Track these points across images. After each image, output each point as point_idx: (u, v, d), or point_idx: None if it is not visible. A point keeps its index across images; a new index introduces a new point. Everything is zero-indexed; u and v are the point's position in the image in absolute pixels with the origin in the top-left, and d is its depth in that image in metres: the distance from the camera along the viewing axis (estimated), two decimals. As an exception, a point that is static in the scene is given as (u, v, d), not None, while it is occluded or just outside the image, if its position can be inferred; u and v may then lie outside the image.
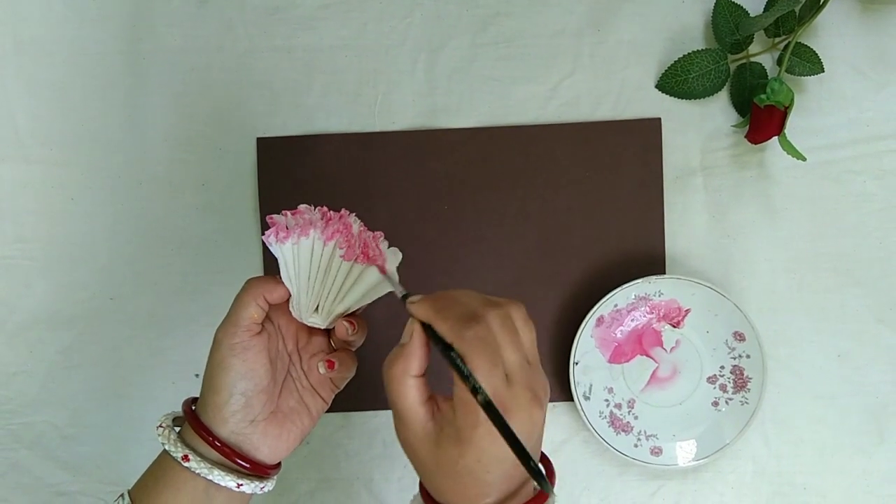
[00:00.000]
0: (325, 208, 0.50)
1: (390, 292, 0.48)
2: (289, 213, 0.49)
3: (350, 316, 0.50)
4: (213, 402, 0.47)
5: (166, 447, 0.47)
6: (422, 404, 0.42)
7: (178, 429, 0.49)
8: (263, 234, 0.48)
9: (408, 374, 0.42)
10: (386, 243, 0.51)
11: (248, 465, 0.47)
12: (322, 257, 0.48)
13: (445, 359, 0.40)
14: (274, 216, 0.49)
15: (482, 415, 0.38)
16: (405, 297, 0.45)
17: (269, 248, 0.48)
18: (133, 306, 0.69)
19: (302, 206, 0.50)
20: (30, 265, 0.68)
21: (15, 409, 0.69)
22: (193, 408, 0.49)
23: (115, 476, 0.69)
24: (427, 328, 0.42)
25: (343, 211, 0.50)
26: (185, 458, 0.46)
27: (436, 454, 0.41)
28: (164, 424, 0.49)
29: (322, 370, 0.51)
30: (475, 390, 0.38)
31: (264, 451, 0.49)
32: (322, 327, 0.50)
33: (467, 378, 0.39)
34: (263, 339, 0.48)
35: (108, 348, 0.69)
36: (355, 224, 0.49)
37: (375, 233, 0.50)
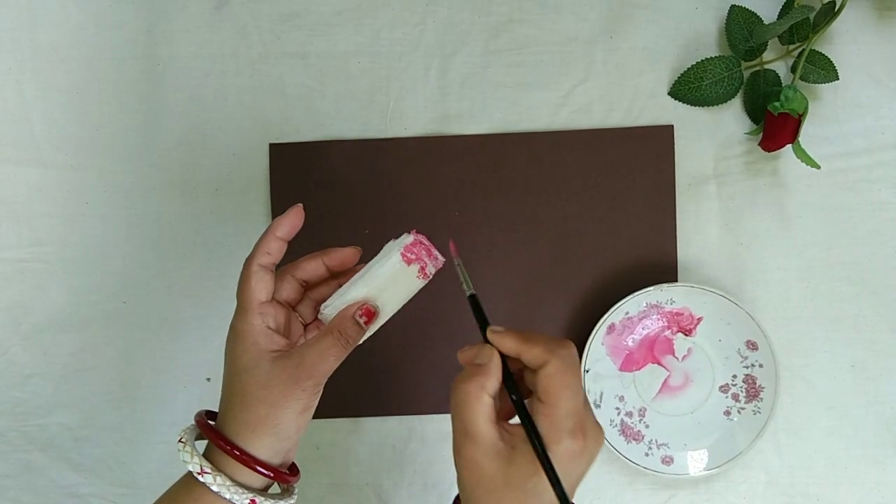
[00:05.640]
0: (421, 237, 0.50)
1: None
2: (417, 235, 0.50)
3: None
4: (245, 424, 0.48)
5: (194, 472, 0.47)
6: (493, 423, 0.42)
7: (198, 443, 0.49)
8: (406, 239, 0.48)
9: (485, 391, 0.42)
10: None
11: (270, 474, 0.48)
12: (402, 276, 0.49)
13: (508, 387, 0.43)
14: (422, 239, 0.49)
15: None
16: (473, 297, 0.46)
17: (388, 254, 0.48)
18: (146, 309, 0.69)
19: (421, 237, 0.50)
20: (44, 268, 0.69)
21: (29, 410, 0.69)
22: (212, 423, 0.49)
23: (127, 478, 0.69)
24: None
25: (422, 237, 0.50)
26: (204, 473, 0.47)
27: (506, 472, 0.42)
28: (184, 440, 0.48)
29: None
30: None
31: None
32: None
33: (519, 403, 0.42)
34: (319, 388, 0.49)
35: (121, 351, 0.69)
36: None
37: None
